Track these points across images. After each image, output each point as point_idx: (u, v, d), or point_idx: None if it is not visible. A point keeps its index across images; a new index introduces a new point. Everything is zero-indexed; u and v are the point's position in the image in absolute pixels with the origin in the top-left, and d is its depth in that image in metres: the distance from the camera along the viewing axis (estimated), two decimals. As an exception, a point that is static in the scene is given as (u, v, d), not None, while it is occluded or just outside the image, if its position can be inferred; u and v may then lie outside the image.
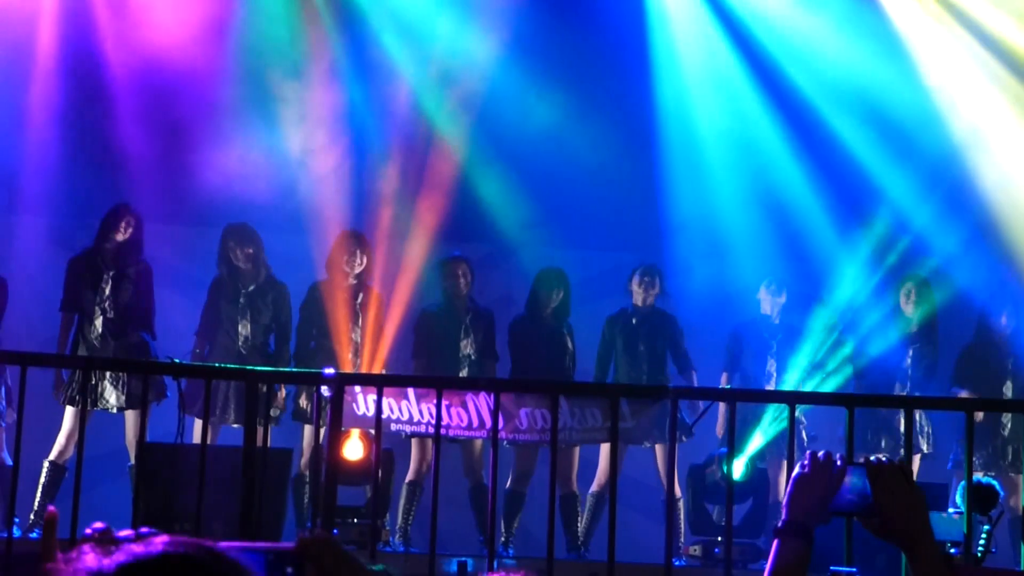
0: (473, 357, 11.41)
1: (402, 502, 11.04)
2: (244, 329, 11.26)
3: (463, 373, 11.27)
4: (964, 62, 13.33)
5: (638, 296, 11.63)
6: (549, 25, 13.44)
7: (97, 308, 10.96)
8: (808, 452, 3.12)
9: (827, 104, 13.42)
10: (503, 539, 10.94)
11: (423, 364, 11.31)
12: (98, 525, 2.18)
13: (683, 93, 13.72)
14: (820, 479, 3.06)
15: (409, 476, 11.07)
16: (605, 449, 10.69)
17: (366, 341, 11.33)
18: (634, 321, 11.60)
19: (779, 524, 3.04)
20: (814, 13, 13.42)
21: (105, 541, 2.12)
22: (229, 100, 12.93)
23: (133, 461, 10.66)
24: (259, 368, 9.33)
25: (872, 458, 3.10)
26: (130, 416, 10.79)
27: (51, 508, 2.44)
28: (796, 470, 3.10)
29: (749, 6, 13.69)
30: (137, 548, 1.65)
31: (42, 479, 10.64)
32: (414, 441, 11.00)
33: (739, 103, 13.62)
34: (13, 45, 12.71)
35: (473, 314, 11.53)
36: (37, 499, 10.50)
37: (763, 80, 13.58)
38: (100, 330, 10.98)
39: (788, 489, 3.10)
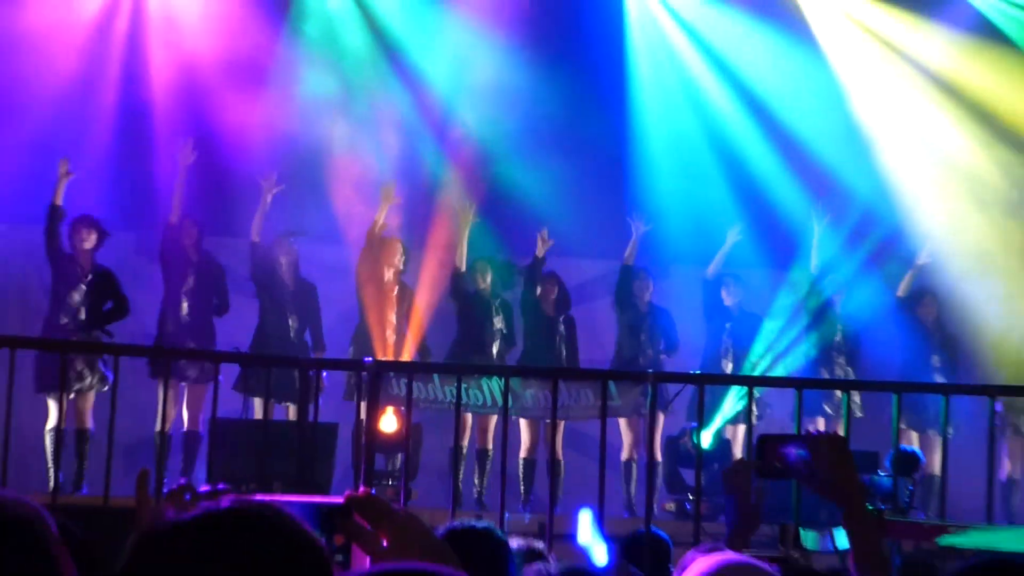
0: (505, 331, 11.42)
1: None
2: (293, 323, 11.23)
3: (495, 346, 11.27)
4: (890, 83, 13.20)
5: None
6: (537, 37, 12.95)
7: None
8: (807, 436, 3.14)
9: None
10: (522, 500, 10.94)
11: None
12: (182, 481, 2.21)
13: (664, 107, 13.40)
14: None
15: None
16: (524, 424, 10.89)
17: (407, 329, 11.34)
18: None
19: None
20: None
21: (185, 491, 2.14)
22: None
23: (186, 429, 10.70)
24: (310, 358, 9.36)
25: (813, 431, 3.13)
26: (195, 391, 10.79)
27: (144, 468, 2.46)
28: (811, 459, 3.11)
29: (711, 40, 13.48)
30: (209, 504, 1.66)
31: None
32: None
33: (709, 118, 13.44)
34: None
35: (501, 299, 11.54)
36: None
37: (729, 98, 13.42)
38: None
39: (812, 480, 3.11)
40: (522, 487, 10.96)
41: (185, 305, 10.96)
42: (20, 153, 11.91)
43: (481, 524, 3.21)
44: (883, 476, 8.97)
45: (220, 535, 1.60)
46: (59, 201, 10.63)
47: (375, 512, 1.86)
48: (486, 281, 11.44)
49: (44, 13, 12.36)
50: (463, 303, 11.37)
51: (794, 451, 3.11)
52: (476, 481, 11.01)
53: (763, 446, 3.23)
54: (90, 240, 10.66)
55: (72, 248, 10.65)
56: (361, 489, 2.01)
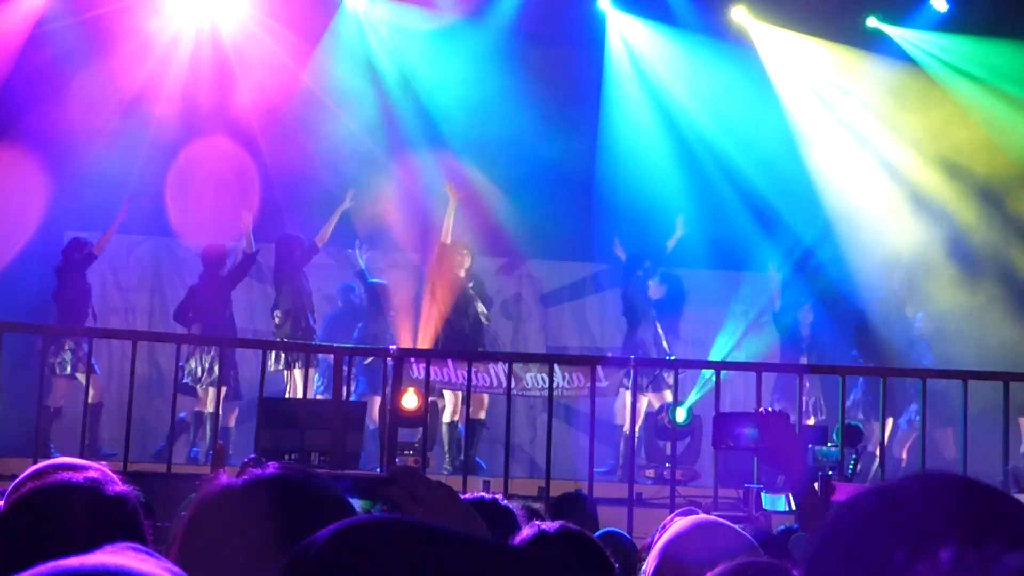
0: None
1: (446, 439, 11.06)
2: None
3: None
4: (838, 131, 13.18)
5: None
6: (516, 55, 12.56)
7: None
8: (759, 413, 3.13)
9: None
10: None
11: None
12: (251, 455, 2.23)
13: (642, 119, 13.19)
14: (783, 432, 3.11)
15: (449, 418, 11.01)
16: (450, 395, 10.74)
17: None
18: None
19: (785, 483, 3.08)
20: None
21: (252, 465, 2.15)
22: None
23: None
24: (344, 344, 9.35)
25: (761, 409, 3.15)
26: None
27: (220, 443, 2.51)
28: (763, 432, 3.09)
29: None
30: (257, 471, 1.67)
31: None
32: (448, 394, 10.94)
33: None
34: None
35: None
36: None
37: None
38: None
39: (766, 454, 3.09)
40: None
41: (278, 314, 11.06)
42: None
43: (489, 496, 3.23)
44: (831, 447, 8.97)
45: (265, 498, 1.61)
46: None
47: (415, 484, 1.86)
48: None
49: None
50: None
51: (745, 429, 3.14)
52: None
53: (718, 424, 3.25)
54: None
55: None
56: (405, 462, 2.01)
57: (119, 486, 2.02)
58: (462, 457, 10.60)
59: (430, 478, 1.90)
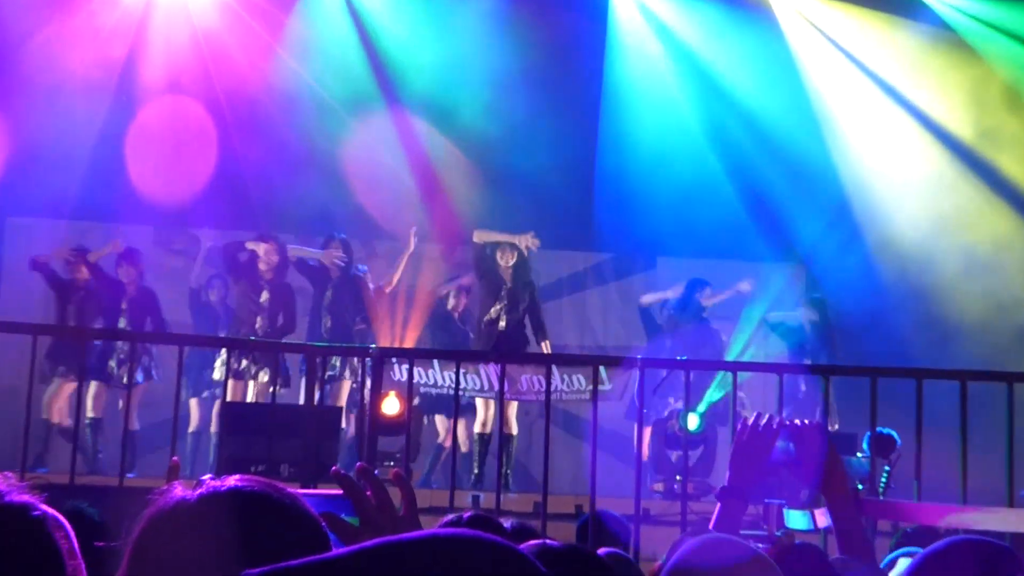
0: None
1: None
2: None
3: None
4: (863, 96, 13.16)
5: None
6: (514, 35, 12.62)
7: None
8: (742, 420, 3.11)
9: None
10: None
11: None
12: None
13: (651, 101, 13.18)
14: (756, 447, 3.06)
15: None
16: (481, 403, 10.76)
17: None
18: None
19: (721, 487, 3.06)
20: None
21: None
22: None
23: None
24: (316, 344, 9.31)
25: (796, 421, 3.11)
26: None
27: (175, 458, 2.49)
28: (735, 436, 3.10)
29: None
30: (215, 483, 1.65)
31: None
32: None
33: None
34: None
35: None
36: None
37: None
38: None
39: (731, 457, 3.10)
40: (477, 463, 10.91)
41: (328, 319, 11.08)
42: None
43: (468, 514, 3.21)
44: (860, 458, 8.94)
45: (221, 513, 1.59)
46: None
47: (354, 493, 1.89)
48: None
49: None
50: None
51: (776, 442, 3.09)
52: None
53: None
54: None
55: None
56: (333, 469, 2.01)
57: (18, 496, 1.93)
58: (476, 472, 10.62)
59: (377, 481, 1.92)
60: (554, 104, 12.68)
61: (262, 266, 10.94)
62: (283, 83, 12.42)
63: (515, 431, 10.98)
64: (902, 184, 12.67)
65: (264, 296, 10.95)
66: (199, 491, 1.63)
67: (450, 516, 3.17)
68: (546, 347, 10.97)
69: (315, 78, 12.42)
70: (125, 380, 10.62)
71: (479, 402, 10.91)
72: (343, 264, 11.12)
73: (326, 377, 10.02)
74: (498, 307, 10.89)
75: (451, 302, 11.55)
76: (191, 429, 11.41)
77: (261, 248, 10.94)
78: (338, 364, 10.80)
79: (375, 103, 12.67)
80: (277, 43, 12.49)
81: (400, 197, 12.32)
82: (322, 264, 11.13)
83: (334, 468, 2.02)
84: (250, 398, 10.62)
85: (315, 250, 11.23)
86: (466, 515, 3.17)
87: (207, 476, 1.70)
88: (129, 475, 10.24)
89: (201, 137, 11.98)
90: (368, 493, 1.94)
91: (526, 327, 11.01)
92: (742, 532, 3.18)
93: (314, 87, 12.39)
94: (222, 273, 11.39)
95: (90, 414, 10.92)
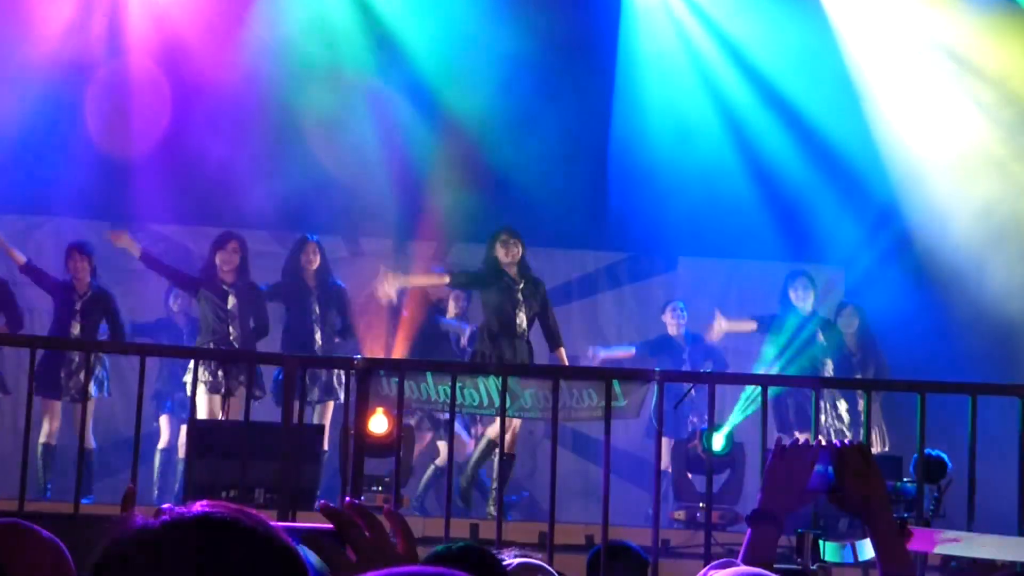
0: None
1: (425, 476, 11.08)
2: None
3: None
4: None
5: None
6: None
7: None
8: (778, 439, 3.10)
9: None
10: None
11: None
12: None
13: (664, 95, 13.16)
14: (792, 469, 3.05)
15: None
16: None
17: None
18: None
19: (753, 512, 3.05)
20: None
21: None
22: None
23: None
24: (296, 354, 9.33)
25: (835, 441, 3.09)
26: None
27: (130, 485, 2.51)
28: (770, 458, 3.09)
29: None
30: (180, 509, 1.65)
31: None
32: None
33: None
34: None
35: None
36: None
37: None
38: None
39: (763, 478, 3.10)
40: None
41: (319, 333, 11.09)
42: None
43: (458, 545, 3.21)
44: (907, 482, 8.93)
45: (187, 542, 1.59)
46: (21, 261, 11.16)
47: (346, 528, 1.89)
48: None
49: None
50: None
51: (816, 466, 3.08)
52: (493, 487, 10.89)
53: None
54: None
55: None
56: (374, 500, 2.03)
57: None
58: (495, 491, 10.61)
59: (371, 516, 1.94)
60: (562, 85, 12.68)
61: (223, 267, 10.93)
62: (253, 57, 12.43)
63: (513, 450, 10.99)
64: (956, 181, 12.66)
65: (231, 302, 10.95)
66: (163, 518, 1.63)
67: (439, 548, 3.18)
68: (562, 356, 10.96)
69: (292, 50, 12.43)
70: (74, 393, 10.63)
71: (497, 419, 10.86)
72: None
73: (308, 401, 10.05)
74: (513, 312, 10.87)
75: (451, 308, 11.56)
76: (160, 446, 11.43)
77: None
78: (317, 389, 10.76)
79: (364, 83, 12.68)
80: (246, 11, 12.51)
81: (390, 189, 12.33)
82: (298, 274, 11.14)
83: (322, 502, 2.03)
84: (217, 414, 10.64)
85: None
86: (456, 546, 3.17)
87: (167, 505, 1.71)
88: (84, 501, 10.28)
89: (155, 118, 12.00)
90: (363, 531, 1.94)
91: (531, 334, 11.01)
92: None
93: (290, 61, 12.41)
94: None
95: (43, 439, 10.91)
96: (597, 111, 12.93)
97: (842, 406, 11.30)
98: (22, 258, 11.16)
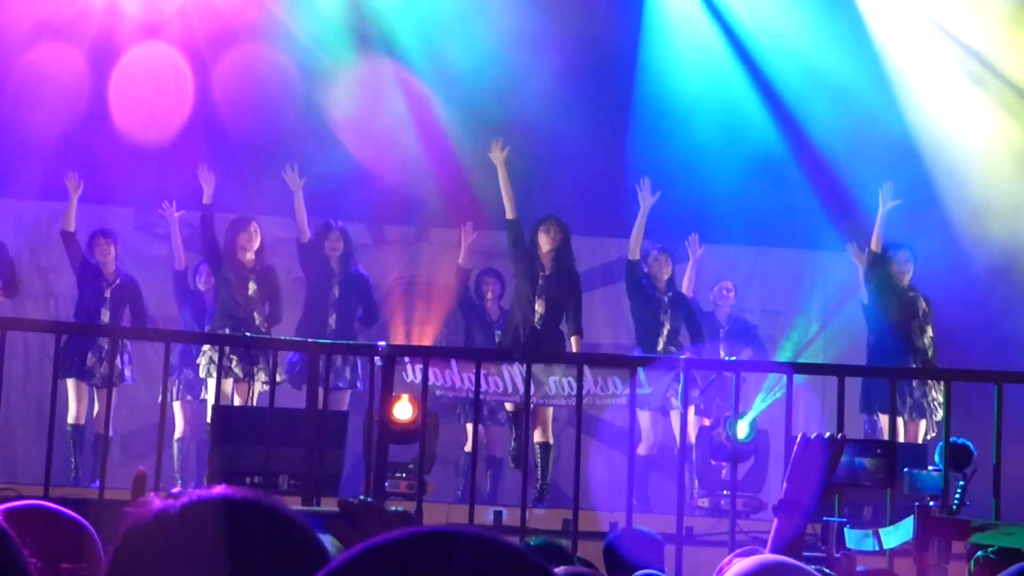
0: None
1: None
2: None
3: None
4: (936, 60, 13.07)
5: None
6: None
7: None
8: (802, 434, 3.10)
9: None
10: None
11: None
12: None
13: (689, 82, 13.06)
14: (817, 462, 3.05)
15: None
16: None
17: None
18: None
19: (779, 502, 3.04)
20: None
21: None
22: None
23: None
24: (320, 340, 9.32)
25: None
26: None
27: (140, 468, 2.50)
28: (795, 450, 3.09)
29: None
30: (200, 491, 1.65)
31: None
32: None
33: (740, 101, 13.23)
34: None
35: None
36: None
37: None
38: None
39: (788, 470, 3.09)
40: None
41: (333, 317, 11.07)
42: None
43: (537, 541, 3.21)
44: (931, 471, 8.89)
45: (206, 524, 1.59)
46: (71, 227, 11.13)
47: (367, 520, 1.87)
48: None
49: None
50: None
51: (853, 458, 3.08)
52: (539, 476, 10.84)
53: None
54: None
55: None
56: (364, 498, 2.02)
57: None
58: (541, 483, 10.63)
59: (389, 510, 1.91)
60: (584, 69, 12.64)
61: (246, 251, 10.94)
62: (278, 40, 12.43)
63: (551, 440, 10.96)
64: (994, 165, 12.62)
65: (252, 288, 10.95)
66: (182, 500, 1.63)
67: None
68: (575, 344, 10.93)
69: (315, 33, 12.44)
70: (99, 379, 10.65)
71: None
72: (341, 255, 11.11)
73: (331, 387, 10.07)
74: (532, 298, 10.86)
75: (488, 295, 11.54)
76: (176, 436, 11.37)
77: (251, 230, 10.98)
78: (344, 372, 10.79)
79: (389, 67, 12.67)
80: None
81: (414, 174, 12.31)
82: (325, 255, 11.11)
83: (340, 499, 2.02)
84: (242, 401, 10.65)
85: None
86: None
87: (176, 488, 1.70)
88: (93, 486, 10.33)
89: (182, 101, 12.03)
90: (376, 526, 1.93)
91: (563, 323, 10.99)
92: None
93: (313, 45, 12.42)
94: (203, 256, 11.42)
95: (71, 420, 10.93)
96: (619, 93, 12.90)
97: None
98: (73, 226, 11.14)
